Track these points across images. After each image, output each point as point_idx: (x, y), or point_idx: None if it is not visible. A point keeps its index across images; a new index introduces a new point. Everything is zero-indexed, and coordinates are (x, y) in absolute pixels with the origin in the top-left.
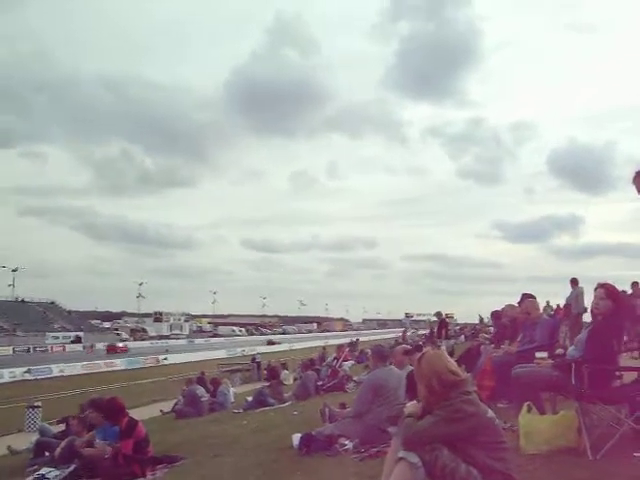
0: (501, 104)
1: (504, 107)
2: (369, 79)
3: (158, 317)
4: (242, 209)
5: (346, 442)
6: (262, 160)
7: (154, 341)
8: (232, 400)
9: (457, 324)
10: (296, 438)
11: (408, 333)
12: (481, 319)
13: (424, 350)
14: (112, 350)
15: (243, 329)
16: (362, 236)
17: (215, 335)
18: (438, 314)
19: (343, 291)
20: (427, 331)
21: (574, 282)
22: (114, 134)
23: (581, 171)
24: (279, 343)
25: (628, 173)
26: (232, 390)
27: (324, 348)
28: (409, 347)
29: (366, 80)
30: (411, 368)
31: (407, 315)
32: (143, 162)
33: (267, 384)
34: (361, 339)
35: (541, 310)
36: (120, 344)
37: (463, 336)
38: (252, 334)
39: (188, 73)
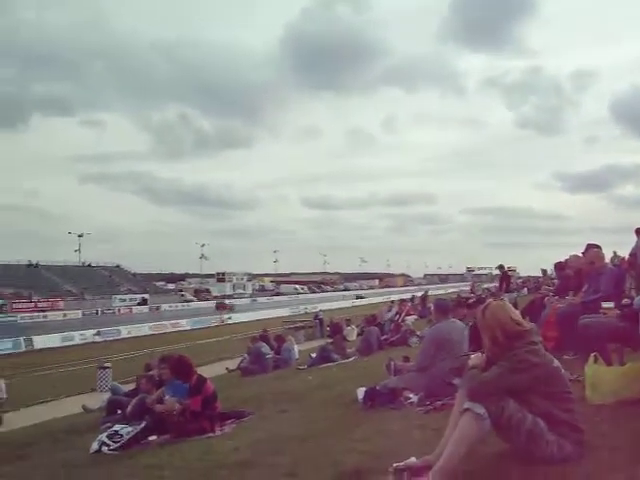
0: (560, 52)
1: (563, 55)
2: (424, 31)
3: (221, 277)
4: (300, 168)
5: (410, 395)
6: (317, 118)
7: (218, 301)
8: (296, 357)
9: (520, 277)
10: (360, 392)
11: (477, 285)
12: (544, 272)
13: (489, 301)
14: (221, 307)
15: (305, 287)
16: (420, 191)
17: (278, 294)
18: (500, 267)
19: (403, 247)
20: (494, 284)
21: (638, 231)
22: (170, 99)
23: None
24: (365, 298)
25: None
26: (296, 347)
27: (392, 302)
28: (472, 300)
29: (421, 33)
30: (473, 321)
31: (469, 269)
32: (201, 125)
33: (330, 340)
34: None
35: (608, 261)
36: (227, 302)
37: (526, 289)
38: (314, 292)
39: (241, 33)
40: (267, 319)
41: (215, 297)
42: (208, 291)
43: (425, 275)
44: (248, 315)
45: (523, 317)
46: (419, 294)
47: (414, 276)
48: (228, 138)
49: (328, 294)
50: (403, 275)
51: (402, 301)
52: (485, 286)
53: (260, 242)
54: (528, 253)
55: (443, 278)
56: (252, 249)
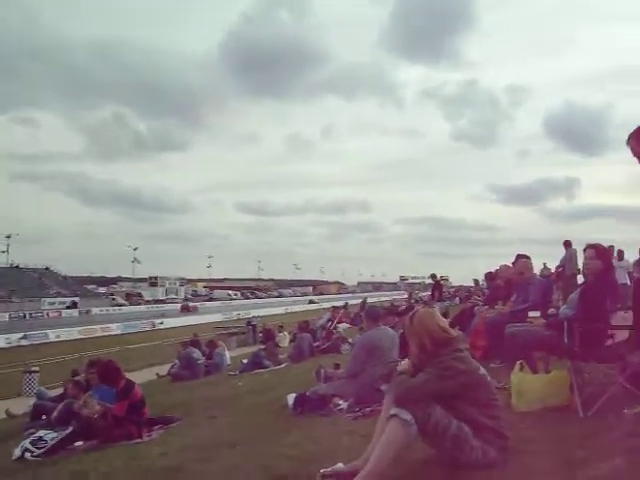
0: (497, 65)
1: (500, 69)
2: (364, 40)
3: (153, 282)
4: (237, 173)
5: (340, 402)
6: (257, 123)
7: (150, 305)
8: (228, 363)
9: (452, 287)
10: (291, 398)
11: (414, 292)
12: (476, 282)
13: (417, 308)
14: (185, 309)
15: (238, 293)
16: (357, 199)
17: (211, 299)
18: (433, 276)
19: (338, 254)
20: (428, 293)
21: (567, 244)
22: (107, 99)
23: (577, 133)
24: (318, 302)
25: (624, 135)
26: (228, 353)
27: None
28: (402, 308)
29: (362, 41)
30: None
31: (402, 278)
32: (137, 127)
33: (263, 347)
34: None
35: (537, 272)
36: (191, 304)
37: (458, 298)
38: (247, 298)
39: (181, 36)
40: (199, 324)
41: (147, 301)
42: (140, 295)
43: (359, 283)
44: (180, 320)
45: (453, 326)
46: (352, 302)
47: (348, 284)
48: (165, 140)
49: (262, 300)
50: (337, 283)
51: (335, 308)
52: (422, 294)
53: (194, 247)
54: (461, 263)
55: (377, 286)
56: (186, 254)
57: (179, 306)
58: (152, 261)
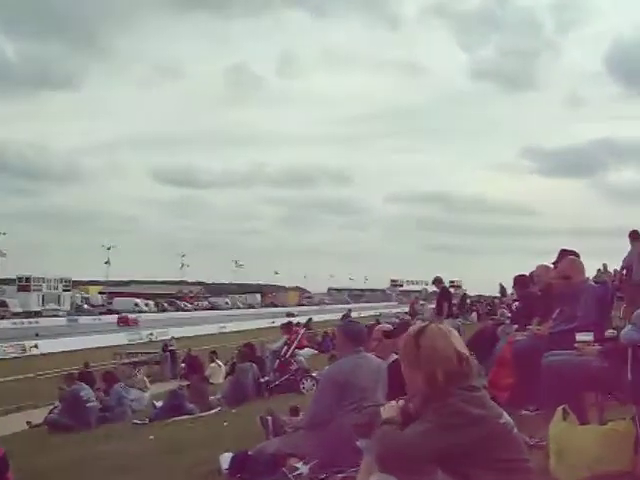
0: None
1: None
2: None
3: (24, 284)
4: (151, 123)
5: (298, 464)
6: (182, 50)
7: (18, 320)
8: (134, 405)
9: (467, 296)
10: (225, 460)
11: (418, 304)
12: (502, 290)
13: (424, 324)
14: (124, 322)
15: (151, 302)
16: (328, 166)
17: (110, 312)
18: (438, 281)
19: (300, 247)
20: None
21: (635, 235)
22: None
23: None
24: (296, 315)
25: None
26: (134, 391)
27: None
28: (390, 327)
29: None
30: (395, 357)
31: (393, 283)
32: (3, 51)
33: (185, 383)
34: (323, 317)
35: (591, 276)
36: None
37: (475, 313)
38: (164, 310)
39: None
40: (92, 349)
41: (15, 314)
42: (4, 304)
43: (329, 290)
44: (63, 342)
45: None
46: (320, 317)
47: (313, 291)
48: (44, 74)
49: (185, 314)
50: (297, 289)
51: (291, 326)
52: (429, 307)
53: (85, 233)
54: (480, 261)
55: (356, 295)
56: (72, 243)
57: (115, 318)
58: (23, 253)
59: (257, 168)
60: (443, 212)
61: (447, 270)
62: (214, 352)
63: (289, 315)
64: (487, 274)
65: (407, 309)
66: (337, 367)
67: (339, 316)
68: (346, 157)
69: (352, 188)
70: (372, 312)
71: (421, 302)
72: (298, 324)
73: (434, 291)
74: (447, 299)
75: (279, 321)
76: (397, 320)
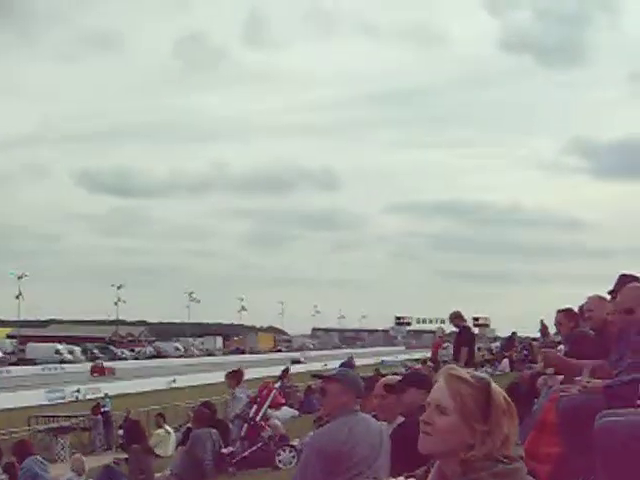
0: None
1: None
2: None
3: None
4: (77, 111)
5: None
6: (121, 15)
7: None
8: None
9: (495, 337)
10: None
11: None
12: (544, 329)
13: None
14: (98, 371)
15: (77, 348)
16: (311, 165)
17: (22, 361)
18: (456, 317)
19: (274, 275)
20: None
21: None
22: None
23: None
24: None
25: None
26: (51, 468)
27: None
28: (396, 380)
29: None
30: (402, 420)
31: (399, 321)
32: None
33: (123, 455)
34: (306, 367)
35: None
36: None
37: (507, 360)
38: (95, 358)
39: None
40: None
41: None
42: None
43: (314, 330)
44: None
45: None
46: (300, 367)
47: (293, 332)
48: None
49: (122, 364)
50: (272, 330)
51: (241, 375)
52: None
53: None
54: (513, 292)
55: (350, 337)
56: None
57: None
58: None
59: (216, 170)
60: (462, 226)
61: (469, 304)
62: (161, 415)
63: (295, 363)
64: (523, 308)
65: (424, 355)
66: (327, 434)
67: (328, 365)
68: (333, 154)
69: (341, 195)
70: (371, 360)
71: (445, 344)
72: (280, 376)
73: (451, 332)
74: (468, 342)
75: (252, 372)
76: (405, 370)
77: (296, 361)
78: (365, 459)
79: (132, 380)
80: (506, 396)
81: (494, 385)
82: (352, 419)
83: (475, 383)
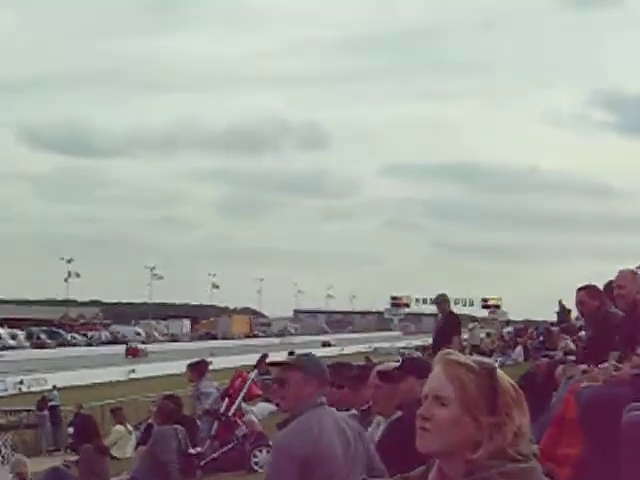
0: None
1: None
2: None
3: None
4: (16, 53)
5: None
6: None
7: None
8: None
9: (508, 322)
10: None
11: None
12: (563, 311)
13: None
14: (133, 353)
15: (20, 333)
16: (295, 120)
17: None
18: (441, 301)
19: (250, 247)
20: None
21: None
22: None
23: None
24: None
25: None
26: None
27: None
28: (392, 367)
29: None
30: (400, 414)
31: (395, 301)
32: None
33: (73, 458)
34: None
35: None
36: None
37: (520, 347)
38: (41, 345)
39: None
40: None
41: None
42: None
43: (297, 313)
44: None
45: None
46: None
47: (272, 315)
48: None
49: (74, 350)
50: (247, 312)
51: (206, 366)
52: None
53: None
54: (529, 269)
55: (339, 321)
56: None
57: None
58: None
59: (183, 125)
60: (470, 192)
61: (478, 282)
62: (118, 409)
63: (325, 345)
64: (539, 288)
65: (425, 341)
66: (295, 433)
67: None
68: (320, 107)
69: (329, 155)
70: (362, 347)
71: (471, 325)
72: (255, 364)
73: (451, 313)
74: (457, 331)
75: (224, 361)
76: (402, 358)
77: (326, 344)
78: (338, 458)
79: (84, 370)
80: (513, 383)
81: (499, 370)
82: (319, 413)
83: (477, 368)
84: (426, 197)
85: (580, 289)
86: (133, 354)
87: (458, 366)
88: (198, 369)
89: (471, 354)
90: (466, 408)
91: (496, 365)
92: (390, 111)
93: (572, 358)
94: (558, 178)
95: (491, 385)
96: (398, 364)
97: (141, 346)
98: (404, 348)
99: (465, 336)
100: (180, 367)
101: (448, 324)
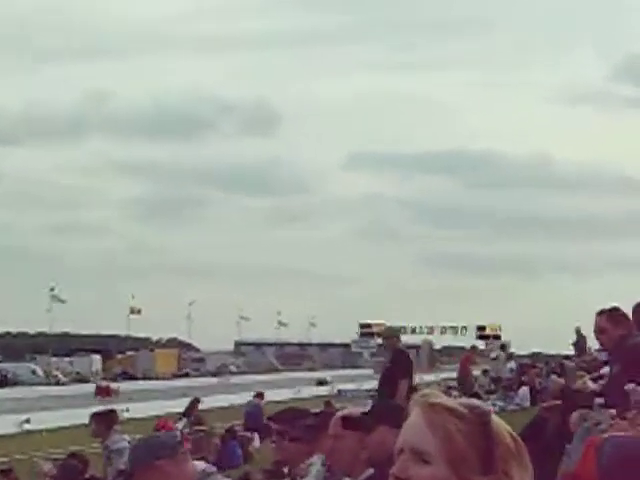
0: None
1: None
2: None
3: None
4: None
5: None
6: None
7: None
8: None
9: (510, 355)
10: None
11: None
12: (581, 340)
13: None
14: (105, 393)
15: None
16: (237, 97)
17: None
18: (392, 336)
19: (179, 261)
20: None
21: None
22: None
23: None
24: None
25: None
26: None
27: None
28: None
29: None
30: (371, 472)
31: (365, 330)
32: None
33: None
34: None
35: None
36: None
37: (526, 388)
38: None
39: None
40: None
41: None
42: None
43: (237, 345)
44: None
45: None
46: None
47: (206, 347)
48: None
49: None
50: (175, 344)
51: (114, 417)
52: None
53: None
54: (536, 288)
55: (292, 355)
56: None
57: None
58: None
59: (92, 103)
60: (462, 190)
61: (471, 305)
62: (9, 470)
63: (321, 384)
64: (550, 312)
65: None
66: None
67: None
68: (268, 80)
69: (279, 141)
70: (323, 389)
71: (494, 354)
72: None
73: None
74: (408, 372)
75: (143, 408)
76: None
77: (322, 382)
78: None
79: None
80: (512, 432)
81: (495, 416)
82: None
83: (467, 414)
84: (406, 195)
85: (600, 313)
86: (105, 394)
87: (443, 411)
88: (105, 420)
89: (467, 394)
90: (453, 466)
91: (491, 409)
92: (359, 85)
93: (601, 401)
94: (574, 170)
95: (485, 435)
96: (367, 409)
97: (113, 385)
98: (376, 391)
99: (485, 367)
100: (82, 417)
101: (396, 364)
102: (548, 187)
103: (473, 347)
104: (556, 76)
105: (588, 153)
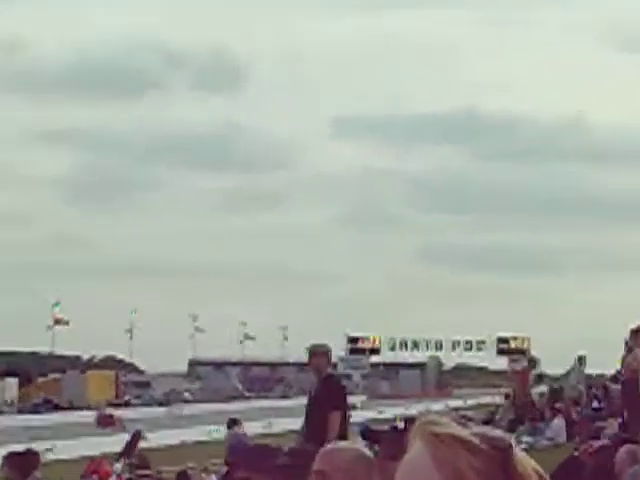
0: None
1: None
2: None
3: None
4: None
5: None
6: None
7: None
8: None
9: (540, 375)
10: None
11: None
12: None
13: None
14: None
15: None
16: (183, 44)
17: None
18: (323, 354)
19: (115, 257)
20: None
21: None
22: None
23: None
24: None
25: None
26: None
27: None
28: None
29: None
30: None
31: (354, 345)
32: None
33: None
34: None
35: None
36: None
37: (561, 418)
38: None
39: None
40: None
41: None
42: None
43: (192, 364)
44: None
45: None
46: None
47: (150, 369)
48: None
49: None
50: (112, 364)
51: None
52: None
53: None
54: (571, 289)
55: (261, 379)
56: None
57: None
58: None
59: (5, 54)
60: (476, 161)
61: (489, 310)
62: None
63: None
64: (592, 320)
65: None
66: None
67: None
68: (227, 24)
69: (243, 101)
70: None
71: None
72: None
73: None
74: (341, 403)
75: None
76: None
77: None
78: None
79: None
80: (539, 469)
81: (518, 450)
82: None
83: (483, 448)
84: (406, 170)
85: (636, 331)
86: (107, 424)
87: (452, 444)
88: (23, 463)
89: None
90: None
91: (513, 442)
92: (346, 29)
93: None
94: (617, 138)
95: (505, 475)
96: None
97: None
98: (372, 421)
99: (541, 388)
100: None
101: (325, 392)
102: (583, 159)
103: (531, 360)
104: (593, 17)
105: (630, 114)
